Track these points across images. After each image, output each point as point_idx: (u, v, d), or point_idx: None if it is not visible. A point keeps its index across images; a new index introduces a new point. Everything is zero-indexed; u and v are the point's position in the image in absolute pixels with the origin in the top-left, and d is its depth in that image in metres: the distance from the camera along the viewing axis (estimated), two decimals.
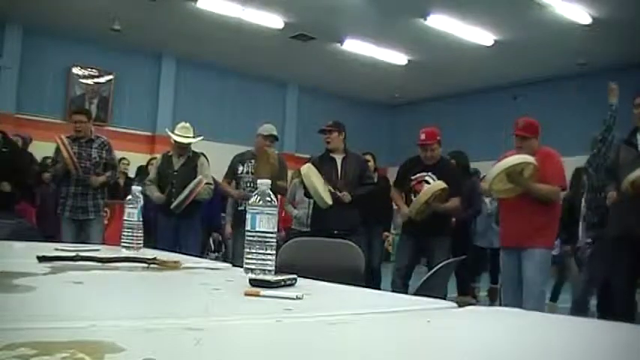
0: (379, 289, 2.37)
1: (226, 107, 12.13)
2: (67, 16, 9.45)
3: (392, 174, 4.63)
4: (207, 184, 4.75)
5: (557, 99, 10.97)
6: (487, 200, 5.95)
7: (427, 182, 4.13)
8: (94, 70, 10.90)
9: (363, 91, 13.38)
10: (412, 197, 4.14)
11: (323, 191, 4.08)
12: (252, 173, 4.62)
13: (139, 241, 2.00)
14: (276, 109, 12.68)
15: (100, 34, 10.04)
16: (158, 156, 5.61)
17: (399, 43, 10.39)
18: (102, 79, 11.01)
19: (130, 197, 2.00)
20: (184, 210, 4.66)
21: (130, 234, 1.98)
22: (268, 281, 1.19)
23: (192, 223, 4.88)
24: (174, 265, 1.58)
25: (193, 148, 4.97)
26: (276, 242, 1.43)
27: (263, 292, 1.10)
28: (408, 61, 11.18)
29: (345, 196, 4.12)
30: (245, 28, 9.58)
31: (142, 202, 2.01)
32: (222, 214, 6.09)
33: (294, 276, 1.28)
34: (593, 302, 4.63)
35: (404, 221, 4.31)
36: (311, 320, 0.93)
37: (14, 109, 9.86)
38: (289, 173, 5.04)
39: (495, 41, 9.77)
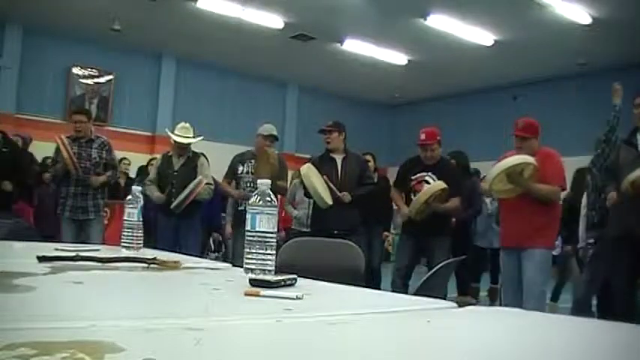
0: (379, 289, 2.37)
1: (226, 107, 12.13)
2: (67, 16, 9.45)
3: (392, 174, 4.63)
4: (207, 184, 4.75)
5: (557, 99, 10.97)
6: (488, 200, 5.95)
7: (427, 182, 4.13)
8: (94, 70, 10.90)
9: (363, 91, 13.38)
10: (412, 197, 4.14)
11: (323, 191, 4.08)
12: (252, 173, 4.62)
13: (139, 241, 2.00)
14: (276, 109, 12.68)
15: (100, 34, 10.04)
16: (158, 156, 5.61)
17: (399, 43, 10.39)
18: (102, 79, 11.01)
19: (130, 197, 2.00)
20: (184, 210, 4.66)
21: (130, 234, 1.98)
22: (268, 281, 1.19)
23: (192, 223, 4.88)
24: (174, 265, 1.58)
25: (193, 148, 4.97)
26: (276, 242, 1.43)
27: (263, 292, 1.10)
28: (408, 61, 11.18)
29: (345, 196, 4.12)
30: (245, 28, 9.58)
31: (142, 202, 2.01)
32: (222, 214, 6.09)
33: (294, 276, 1.28)
34: (594, 302, 4.63)
35: (404, 221, 4.31)
36: (311, 320, 0.93)
37: (14, 109, 9.86)
38: (289, 173, 5.03)
39: (495, 41, 9.77)
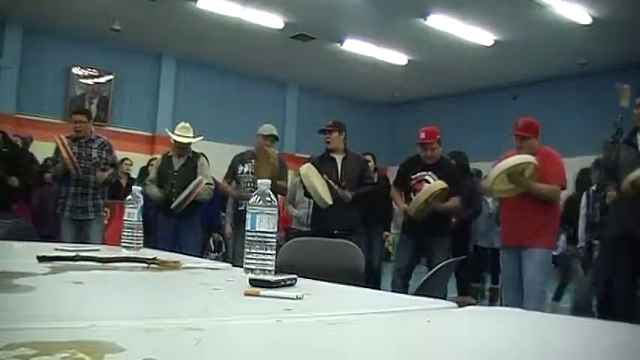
0: (379, 288, 2.37)
1: (226, 107, 12.13)
2: (67, 16, 9.45)
3: (392, 174, 4.64)
4: (207, 184, 4.75)
5: (557, 99, 10.97)
6: (489, 200, 5.96)
7: (427, 182, 4.13)
8: (94, 70, 10.90)
9: (363, 91, 13.38)
10: (412, 196, 4.14)
11: (323, 191, 4.08)
12: (252, 173, 4.62)
13: (139, 241, 2.00)
14: (276, 109, 12.68)
15: (100, 34, 10.04)
16: (158, 156, 5.61)
17: (399, 43, 10.39)
18: (102, 79, 11.01)
19: (130, 197, 2.00)
20: (184, 210, 4.66)
21: (130, 234, 1.98)
22: (268, 281, 1.19)
23: (193, 223, 4.88)
24: (174, 265, 1.58)
25: (193, 148, 4.97)
26: (276, 242, 1.43)
27: (263, 292, 1.10)
28: (408, 61, 11.18)
29: (347, 194, 4.12)
30: (245, 28, 9.58)
31: (142, 202, 2.01)
32: (222, 214, 6.10)
33: (294, 276, 1.28)
34: (594, 302, 4.63)
35: (404, 221, 4.31)
36: (311, 320, 0.93)
37: (14, 109, 9.86)
38: (289, 173, 5.03)
39: (495, 41, 9.77)
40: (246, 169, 4.70)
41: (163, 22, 9.69)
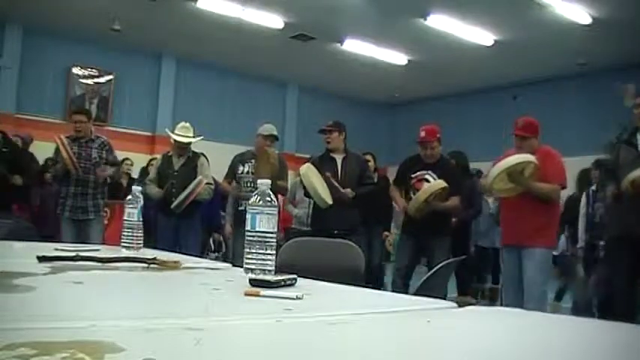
0: (381, 288, 2.37)
1: (226, 107, 12.13)
2: (67, 16, 9.45)
3: (392, 174, 4.64)
4: (207, 184, 4.76)
5: (557, 99, 10.98)
6: (490, 201, 5.96)
7: (427, 181, 4.13)
8: (94, 70, 10.90)
9: (363, 91, 13.38)
10: (412, 196, 4.13)
11: (322, 191, 4.08)
12: (252, 173, 4.62)
13: (139, 241, 2.00)
14: (276, 109, 12.68)
15: (100, 34, 10.04)
16: (158, 156, 5.62)
17: (399, 43, 10.39)
18: (102, 79, 11.01)
19: (130, 197, 2.00)
20: (184, 210, 4.66)
21: (130, 234, 1.98)
22: (268, 281, 1.19)
23: (192, 223, 4.88)
24: (174, 265, 1.58)
25: (193, 148, 4.97)
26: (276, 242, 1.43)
27: (263, 292, 1.10)
28: (408, 61, 11.18)
29: (348, 192, 4.12)
30: (245, 28, 9.58)
31: (142, 202, 2.01)
32: (223, 214, 6.10)
33: (294, 276, 1.28)
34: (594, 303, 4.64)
35: (404, 220, 4.31)
36: (311, 320, 0.93)
37: (14, 109, 9.86)
38: (289, 173, 5.03)
39: (495, 41, 9.77)
40: (246, 169, 4.70)
41: (163, 22, 9.69)
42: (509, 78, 11.43)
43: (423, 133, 4.19)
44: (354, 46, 10.50)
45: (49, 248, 1.75)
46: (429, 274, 2.61)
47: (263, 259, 1.36)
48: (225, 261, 4.33)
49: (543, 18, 8.61)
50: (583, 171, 5.56)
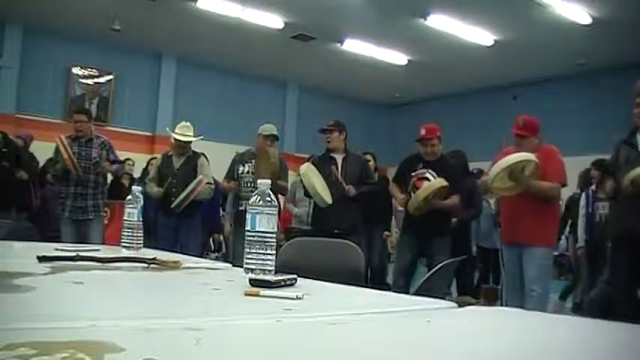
0: (382, 289, 2.36)
1: (226, 107, 12.13)
2: (67, 16, 9.45)
3: (392, 174, 4.63)
4: (207, 183, 4.76)
5: (557, 99, 10.97)
6: (491, 201, 5.96)
7: (427, 179, 4.12)
8: (94, 70, 10.90)
9: (363, 91, 13.38)
10: (412, 194, 4.13)
11: (322, 190, 4.08)
12: (252, 173, 4.62)
13: (139, 241, 2.00)
14: (276, 109, 12.68)
15: (100, 34, 10.05)
16: (158, 156, 5.62)
17: (399, 43, 10.39)
18: (102, 79, 11.01)
19: (130, 197, 2.01)
20: (184, 210, 4.66)
21: (130, 234, 1.98)
22: (268, 281, 1.19)
23: (193, 222, 4.88)
24: (174, 265, 1.58)
25: (193, 147, 4.97)
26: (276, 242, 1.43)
27: (263, 292, 1.10)
28: (408, 61, 11.18)
29: (351, 188, 4.12)
30: (245, 28, 9.58)
31: (142, 202, 2.01)
32: (223, 213, 6.10)
33: (294, 276, 1.28)
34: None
35: (404, 220, 4.32)
36: (311, 320, 0.93)
37: (14, 109, 9.86)
38: (290, 173, 5.03)
39: (495, 41, 9.77)
40: (246, 169, 4.70)
41: (163, 22, 9.69)
42: (509, 78, 11.43)
43: (423, 131, 4.20)
44: (354, 46, 10.50)
45: (49, 248, 1.75)
46: (429, 274, 2.61)
47: (263, 259, 1.36)
48: (225, 261, 4.33)
49: (543, 18, 8.61)
50: (587, 170, 5.57)
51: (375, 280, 5.61)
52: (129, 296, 1.15)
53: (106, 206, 5.25)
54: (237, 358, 0.66)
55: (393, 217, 6.26)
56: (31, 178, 6.07)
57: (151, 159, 7.34)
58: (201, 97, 11.75)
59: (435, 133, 4.19)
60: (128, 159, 7.65)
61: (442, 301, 1.18)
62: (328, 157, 4.33)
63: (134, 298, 1.14)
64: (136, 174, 7.85)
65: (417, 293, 1.98)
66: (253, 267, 1.35)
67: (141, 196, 2.02)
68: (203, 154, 5.03)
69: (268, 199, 1.38)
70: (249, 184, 4.61)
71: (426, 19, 9.06)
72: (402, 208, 4.48)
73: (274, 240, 1.39)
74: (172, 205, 4.64)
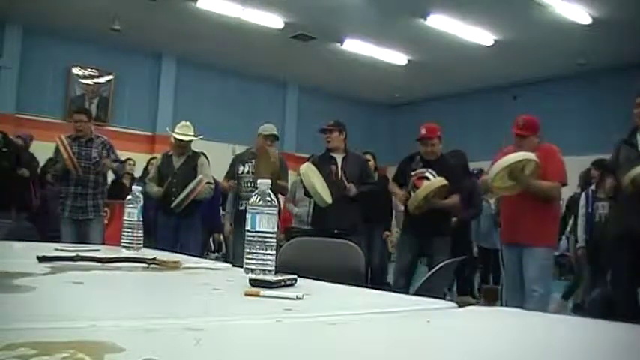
0: (382, 288, 2.36)
1: (226, 107, 12.13)
2: (67, 16, 9.45)
3: (392, 174, 4.63)
4: (207, 183, 4.76)
5: (557, 99, 10.98)
6: (491, 202, 5.96)
7: (427, 179, 4.12)
8: (94, 70, 10.90)
9: (363, 91, 13.38)
10: (412, 193, 4.13)
11: (322, 190, 4.08)
12: (252, 173, 4.62)
13: (139, 241, 2.00)
14: (276, 109, 12.68)
15: (100, 34, 10.05)
16: (158, 155, 5.62)
17: (399, 43, 10.39)
18: (102, 79, 11.01)
19: (130, 197, 2.01)
20: (184, 209, 4.67)
21: (130, 234, 1.98)
22: (268, 281, 1.19)
23: (193, 222, 4.88)
24: (174, 265, 1.58)
25: (193, 147, 4.97)
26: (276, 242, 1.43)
27: (263, 292, 1.10)
28: (408, 61, 11.18)
29: (352, 187, 4.12)
30: (245, 28, 9.58)
31: (142, 202, 2.01)
32: (223, 213, 6.10)
33: (294, 276, 1.28)
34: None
35: (404, 220, 4.32)
36: (311, 320, 0.93)
37: (14, 109, 9.86)
38: (290, 173, 5.03)
39: (495, 41, 9.77)
40: (246, 169, 4.70)
41: (163, 22, 9.69)
42: (509, 78, 11.43)
43: (424, 131, 4.20)
44: (354, 46, 10.50)
45: (49, 248, 1.75)
46: (429, 274, 2.61)
47: (263, 259, 1.36)
48: (225, 261, 4.33)
49: (543, 18, 8.61)
50: (586, 171, 5.57)
51: (376, 280, 5.61)
52: (129, 296, 1.15)
53: (106, 206, 5.25)
54: (237, 358, 0.66)
55: (394, 217, 6.26)
56: (32, 177, 6.09)
57: (150, 159, 7.35)
58: (201, 97, 11.75)
59: (436, 133, 4.19)
60: (129, 159, 7.66)
61: (442, 301, 1.19)
62: (328, 157, 4.33)
63: (134, 298, 1.14)
64: (137, 174, 7.85)
65: (417, 293, 1.98)
66: (253, 267, 1.35)
67: (141, 196, 2.02)
68: (203, 153, 5.03)
69: (268, 199, 1.38)
70: (249, 184, 4.62)
71: (426, 19, 9.06)
72: (402, 208, 4.48)
73: (274, 240, 1.39)
74: (172, 205, 4.64)
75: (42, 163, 6.69)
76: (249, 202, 1.40)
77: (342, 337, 0.81)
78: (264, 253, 1.36)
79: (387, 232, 6.12)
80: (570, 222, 5.78)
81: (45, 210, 6.22)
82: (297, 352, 0.71)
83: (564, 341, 0.84)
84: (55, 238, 4.05)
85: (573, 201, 5.76)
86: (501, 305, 4.35)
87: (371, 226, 5.40)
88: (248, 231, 1.37)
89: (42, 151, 6.67)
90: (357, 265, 1.97)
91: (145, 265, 1.55)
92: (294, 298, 1.06)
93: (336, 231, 3.81)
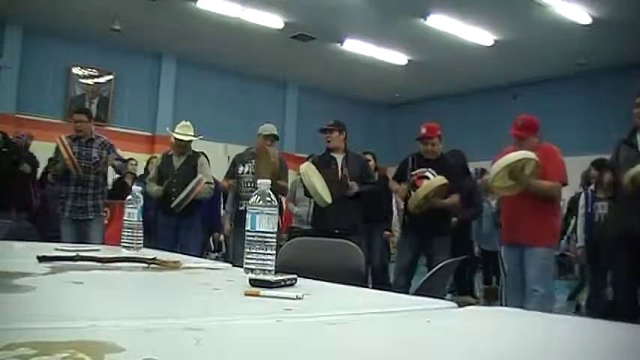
0: (382, 288, 2.35)
1: (226, 107, 12.14)
2: (67, 16, 9.45)
3: (392, 173, 4.64)
4: (207, 183, 4.76)
5: (557, 99, 10.98)
6: (493, 203, 5.96)
7: (427, 178, 4.13)
8: (94, 70, 10.90)
9: (363, 91, 13.38)
10: (412, 192, 4.13)
11: (322, 190, 4.08)
12: (252, 173, 4.62)
13: (139, 241, 2.00)
14: (276, 109, 12.69)
15: (100, 34, 10.05)
16: (158, 155, 5.62)
17: (399, 43, 10.39)
18: (102, 79, 11.02)
19: (130, 197, 2.01)
20: (184, 209, 4.67)
21: (130, 234, 1.98)
22: (268, 281, 1.19)
23: (193, 222, 4.88)
24: (174, 265, 1.58)
25: (193, 147, 4.97)
26: (277, 242, 1.43)
27: (263, 292, 1.10)
28: (408, 61, 11.18)
29: (354, 185, 4.13)
30: (245, 28, 9.58)
31: (142, 202, 2.01)
32: (223, 212, 6.10)
33: (294, 276, 1.28)
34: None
35: (404, 220, 4.32)
36: (311, 320, 0.93)
37: (14, 109, 9.87)
38: (289, 173, 5.03)
39: (495, 41, 9.77)
40: (246, 169, 4.70)
41: (163, 22, 9.70)
42: (509, 78, 11.43)
43: (424, 130, 4.21)
44: (354, 46, 10.50)
45: (49, 248, 1.75)
46: (429, 274, 2.61)
47: (263, 259, 1.35)
48: (225, 261, 4.33)
49: (543, 18, 8.61)
50: (588, 170, 5.57)
51: (376, 280, 5.61)
52: (129, 296, 1.15)
53: (106, 206, 5.25)
54: (237, 358, 0.66)
55: (395, 217, 6.26)
56: (32, 176, 6.09)
57: (150, 158, 7.35)
58: (201, 97, 11.75)
59: (436, 132, 4.19)
60: (131, 159, 7.66)
61: (442, 301, 1.18)
62: (328, 156, 4.33)
63: (134, 298, 1.14)
64: (139, 174, 7.85)
65: (417, 293, 1.98)
66: (253, 267, 1.35)
67: (141, 196, 2.02)
68: (203, 153, 5.03)
69: (268, 199, 1.38)
70: (249, 184, 4.61)
71: (426, 19, 9.07)
72: (402, 206, 4.48)
73: (274, 240, 1.39)
74: (172, 205, 4.64)
75: (42, 163, 6.69)
76: (249, 202, 1.40)
77: (342, 337, 0.81)
78: (264, 253, 1.36)
79: (387, 232, 6.12)
80: (572, 222, 5.78)
81: (45, 210, 6.22)
82: (297, 352, 0.71)
83: (564, 341, 0.84)
84: (55, 238, 4.04)
85: (574, 201, 5.76)
86: (501, 305, 4.35)
87: (371, 226, 5.40)
88: (248, 231, 1.37)
89: (42, 151, 6.67)
90: (357, 265, 1.97)
91: (145, 265, 1.55)
92: (294, 298, 1.06)
93: (336, 231, 3.81)
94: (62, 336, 0.66)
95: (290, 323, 0.88)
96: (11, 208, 5.79)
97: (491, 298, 5.87)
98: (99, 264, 1.50)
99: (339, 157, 4.30)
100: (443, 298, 1.46)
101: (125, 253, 1.86)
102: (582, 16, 8.49)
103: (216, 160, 5.04)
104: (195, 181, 4.65)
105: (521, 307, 3.27)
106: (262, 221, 1.36)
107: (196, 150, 5.02)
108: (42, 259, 1.46)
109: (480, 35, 9.58)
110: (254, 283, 1.18)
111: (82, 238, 4.48)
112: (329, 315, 0.96)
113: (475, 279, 6.48)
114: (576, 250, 5.52)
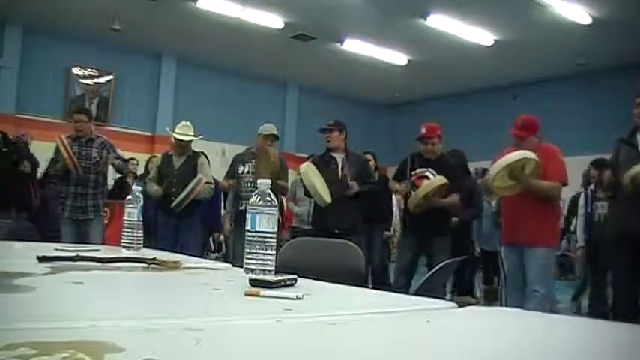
0: (383, 288, 2.35)
1: (226, 107, 12.13)
2: (67, 16, 9.45)
3: (392, 173, 4.64)
4: (207, 183, 4.76)
5: (557, 99, 10.98)
6: (493, 203, 5.96)
7: (427, 178, 4.13)
8: (94, 70, 10.90)
9: (363, 91, 13.38)
10: (412, 192, 4.13)
11: (322, 189, 4.08)
12: (252, 173, 4.62)
13: (139, 241, 2.00)
14: (276, 109, 12.68)
15: (100, 34, 10.05)
16: (158, 155, 5.62)
17: (399, 43, 10.39)
18: (102, 79, 11.01)
19: (130, 197, 2.01)
20: (184, 209, 4.67)
21: (130, 234, 1.98)
22: (268, 281, 1.19)
23: (193, 222, 4.88)
24: (174, 265, 1.58)
25: (193, 147, 4.97)
26: (277, 242, 1.43)
27: (263, 292, 1.10)
28: (408, 61, 11.18)
29: (354, 184, 4.13)
30: (245, 28, 9.58)
31: (142, 202, 2.01)
32: (223, 212, 6.10)
33: (294, 276, 1.28)
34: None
35: (405, 220, 4.32)
36: (311, 320, 0.93)
37: (14, 109, 9.87)
38: (289, 173, 5.03)
39: (495, 41, 9.77)
40: (246, 169, 4.70)
41: (163, 22, 9.70)
42: (509, 78, 11.43)
43: (424, 130, 4.21)
44: (354, 46, 10.50)
45: (49, 248, 1.75)
46: (429, 274, 2.61)
47: (263, 259, 1.36)
48: (225, 261, 4.33)
49: (543, 18, 8.61)
50: (588, 170, 5.57)
51: (376, 280, 5.61)
52: (129, 296, 1.15)
53: (106, 206, 5.25)
54: (237, 358, 0.66)
55: (396, 217, 6.25)
56: (32, 175, 6.09)
57: (150, 158, 7.35)
58: (201, 97, 11.75)
59: (436, 132, 4.20)
60: (133, 158, 7.66)
61: (442, 301, 1.18)
62: (328, 156, 4.33)
63: (134, 298, 1.14)
64: (140, 173, 7.85)
65: (417, 293, 1.98)
66: (253, 267, 1.35)
67: (141, 196, 2.02)
68: (203, 153, 5.03)
69: (268, 199, 1.38)
70: (249, 184, 4.61)
71: (426, 19, 9.07)
72: (402, 205, 4.48)
73: (274, 240, 1.39)
74: (172, 205, 4.64)
75: (42, 163, 6.69)
76: (249, 202, 1.40)
77: (342, 337, 0.81)
78: (264, 253, 1.36)
79: (387, 232, 6.12)
80: (573, 222, 5.78)
81: (45, 210, 6.22)
82: (297, 352, 0.71)
83: (564, 341, 0.84)
84: (55, 238, 4.04)
85: (575, 201, 5.76)
86: (501, 305, 4.35)
87: (371, 226, 5.40)
88: (248, 231, 1.37)
89: (42, 151, 6.66)
90: (357, 265, 1.97)
91: (145, 265, 1.55)
92: (294, 298, 1.06)
93: (336, 231, 3.81)
94: (62, 336, 0.66)
95: (290, 323, 0.89)
96: (11, 208, 5.79)
97: (491, 298, 5.86)
98: (99, 264, 1.50)
99: (339, 157, 4.30)
100: (443, 298, 1.46)
101: (125, 253, 1.86)
102: (582, 16, 8.49)
103: (216, 160, 5.03)
104: (195, 181, 4.65)
105: (522, 307, 3.27)
106: (262, 221, 1.36)
107: (196, 150, 5.02)
108: (42, 259, 1.46)
109: (479, 35, 9.58)
110: (254, 283, 1.18)
111: (82, 238, 4.48)
112: (329, 315, 0.96)
113: (475, 279, 6.48)
114: (576, 250, 5.52)
